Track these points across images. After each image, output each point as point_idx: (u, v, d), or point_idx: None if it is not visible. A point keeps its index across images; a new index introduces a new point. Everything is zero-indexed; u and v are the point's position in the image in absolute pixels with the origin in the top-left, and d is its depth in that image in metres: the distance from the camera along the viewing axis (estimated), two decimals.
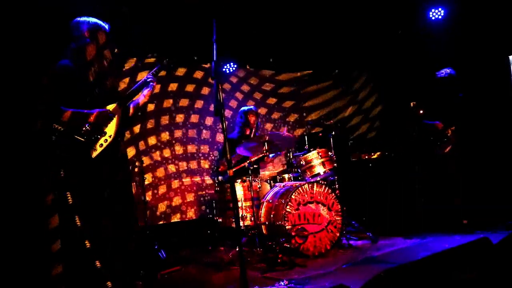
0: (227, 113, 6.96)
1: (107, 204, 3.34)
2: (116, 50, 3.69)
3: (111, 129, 3.38)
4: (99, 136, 3.30)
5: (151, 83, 3.70)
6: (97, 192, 3.29)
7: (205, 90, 6.80)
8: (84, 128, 3.22)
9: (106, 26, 3.48)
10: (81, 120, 3.22)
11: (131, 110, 3.68)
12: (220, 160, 5.78)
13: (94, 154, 3.25)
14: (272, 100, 7.58)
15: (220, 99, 2.64)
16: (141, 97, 3.71)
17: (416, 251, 4.37)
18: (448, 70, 5.48)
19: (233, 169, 5.04)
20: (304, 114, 7.81)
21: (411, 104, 5.86)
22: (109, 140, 3.34)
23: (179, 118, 6.48)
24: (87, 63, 3.35)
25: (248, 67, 7.37)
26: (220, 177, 5.43)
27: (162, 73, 4.29)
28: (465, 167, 5.37)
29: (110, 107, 3.42)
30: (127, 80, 6.02)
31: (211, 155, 6.68)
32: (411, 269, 2.25)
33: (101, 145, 3.29)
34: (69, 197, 3.11)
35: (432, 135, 5.53)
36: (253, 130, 5.79)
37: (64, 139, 3.13)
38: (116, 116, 3.43)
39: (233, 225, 4.92)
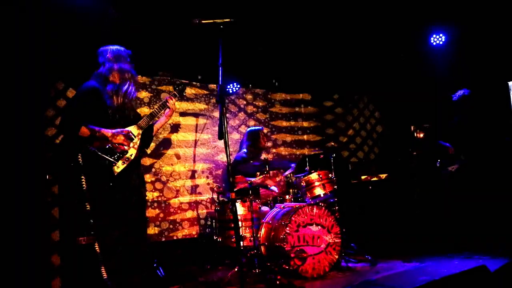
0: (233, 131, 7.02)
1: (122, 218, 3.54)
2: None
3: (133, 149, 3.65)
4: (121, 155, 3.55)
5: (169, 106, 4.06)
6: (114, 205, 3.51)
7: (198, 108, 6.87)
8: (107, 147, 3.49)
9: (129, 52, 3.83)
10: (103, 138, 3.48)
11: (154, 130, 4.06)
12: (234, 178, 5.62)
13: (116, 171, 3.50)
14: (273, 119, 7.64)
15: (224, 122, 2.68)
16: (163, 118, 4.12)
17: (415, 275, 4.36)
18: (461, 92, 5.54)
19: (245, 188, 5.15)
20: (304, 135, 7.87)
21: (412, 127, 5.92)
22: (131, 159, 3.60)
23: (183, 136, 6.51)
24: (111, 86, 3.64)
25: (250, 86, 7.45)
26: (221, 196, 5.44)
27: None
28: (467, 190, 5.39)
29: (132, 128, 3.69)
30: None
31: (213, 174, 6.71)
32: None
33: (123, 163, 3.54)
34: (87, 206, 3.30)
35: (440, 157, 5.57)
36: (261, 151, 5.80)
37: (87, 153, 3.36)
38: (137, 137, 3.71)
39: (233, 245, 4.93)
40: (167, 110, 4.08)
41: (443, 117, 5.81)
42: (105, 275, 3.23)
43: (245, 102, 7.38)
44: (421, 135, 5.70)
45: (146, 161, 6.10)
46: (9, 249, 3.91)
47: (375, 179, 6.44)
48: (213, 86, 6.88)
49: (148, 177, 6.02)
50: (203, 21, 3.00)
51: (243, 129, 6.93)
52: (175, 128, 6.49)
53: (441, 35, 6.39)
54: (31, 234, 4.21)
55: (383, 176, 6.44)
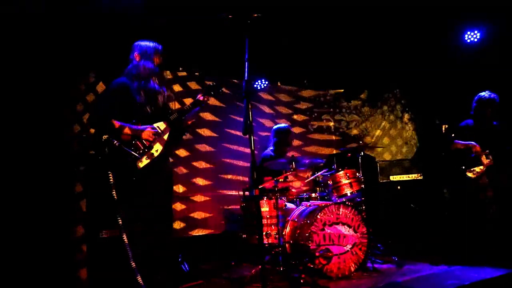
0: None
1: (145, 214, 3.55)
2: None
3: (159, 145, 3.66)
4: (146, 150, 3.57)
5: (202, 104, 4.00)
6: (136, 200, 3.53)
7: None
8: (133, 142, 3.53)
9: (158, 48, 3.81)
10: (129, 133, 3.53)
11: (184, 127, 4.01)
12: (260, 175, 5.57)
13: (140, 165, 3.52)
14: (300, 117, 7.59)
15: (249, 118, 2.65)
16: (194, 115, 4.06)
17: (443, 279, 4.24)
18: (486, 95, 5.35)
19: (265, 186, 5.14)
20: (333, 131, 7.81)
21: (443, 127, 5.76)
22: (156, 154, 3.62)
23: (208, 131, 6.53)
24: (137, 83, 3.66)
25: (279, 84, 7.43)
26: (246, 193, 5.42)
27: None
28: (496, 194, 5.22)
29: (160, 124, 3.72)
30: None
31: (240, 170, 6.70)
32: None
33: (147, 158, 3.56)
34: (114, 194, 3.24)
35: (463, 158, 5.39)
36: (287, 148, 5.76)
37: (113, 148, 3.33)
38: (164, 133, 3.72)
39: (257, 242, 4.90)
40: (198, 108, 4.03)
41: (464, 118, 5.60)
42: (133, 264, 3.23)
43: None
44: (453, 135, 5.55)
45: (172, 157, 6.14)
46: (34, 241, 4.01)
47: (404, 178, 6.32)
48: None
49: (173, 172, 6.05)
50: (230, 16, 2.96)
51: None
52: (204, 124, 6.52)
53: (476, 32, 6.18)
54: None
55: (413, 176, 6.31)
